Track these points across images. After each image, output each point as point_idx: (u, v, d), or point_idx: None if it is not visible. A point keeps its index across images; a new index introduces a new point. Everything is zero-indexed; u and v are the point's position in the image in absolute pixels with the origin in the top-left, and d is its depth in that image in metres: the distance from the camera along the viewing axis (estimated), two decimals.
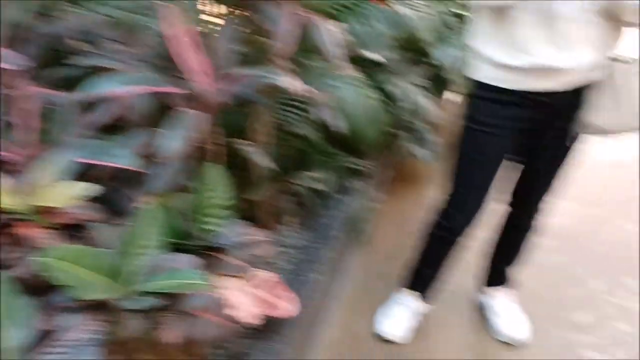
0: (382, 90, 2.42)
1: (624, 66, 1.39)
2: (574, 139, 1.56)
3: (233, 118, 1.61)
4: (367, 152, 2.51)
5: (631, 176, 2.97)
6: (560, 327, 1.98)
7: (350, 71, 2.10)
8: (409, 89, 2.50)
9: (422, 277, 1.92)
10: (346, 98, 2.09)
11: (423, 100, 2.53)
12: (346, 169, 2.34)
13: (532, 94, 1.42)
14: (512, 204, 1.78)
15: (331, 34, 1.56)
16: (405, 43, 2.63)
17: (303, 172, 2.12)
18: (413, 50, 2.67)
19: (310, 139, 2.04)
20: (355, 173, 2.39)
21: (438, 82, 2.70)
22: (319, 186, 2.13)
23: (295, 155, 2.12)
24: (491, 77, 1.45)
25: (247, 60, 1.51)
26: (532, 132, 1.54)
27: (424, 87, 2.59)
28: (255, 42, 1.51)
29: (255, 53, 1.52)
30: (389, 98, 2.42)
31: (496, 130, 1.50)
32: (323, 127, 1.97)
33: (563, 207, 2.68)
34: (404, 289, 1.96)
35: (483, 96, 1.49)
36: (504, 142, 1.54)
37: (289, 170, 2.10)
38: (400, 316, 1.92)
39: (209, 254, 1.40)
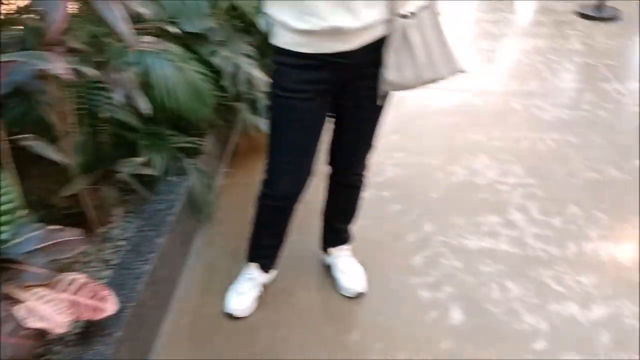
0: (208, 63, 2.34)
1: (413, 22, 1.45)
2: (382, 97, 1.62)
3: (19, 111, 1.45)
4: (203, 128, 2.44)
5: (455, 122, 3.21)
6: (399, 272, 2.11)
7: (164, 46, 1.99)
8: (239, 59, 2.45)
9: (262, 247, 1.93)
10: (165, 76, 1.99)
11: (254, 69, 2.49)
12: (181, 149, 2.25)
13: (328, 55, 1.44)
14: (331, 164, 1.82)
15: (121, 9, 1.45)
16: (228, 12, 2.56)
17: (129, 158, 2.00)
18: (239, 19, 2.61)
19: (129, 123, 1.92)
20: (193, 152, 2.31)
21: (267, 50, 2.66)
22: (148, 171, 2.03)
23: (116, 142, 1.99)
24: (288, 42, 1.45)
25: (21, 45, 1.35)
26: (339, 93, 1.57)
27: (252, 56, 2.54)
28: (26, 25, 1.35)
29: (31, 37, 1.36)
30: (217, 70, 2.35)
31: (301, 95, 1.52)
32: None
33: (397, 158, 2.84)
34: (248, 262, 1.96)
35: (284, 62, 1.49)
36: (311, 106, 1.55)
37: (111, 159, 1.97)
38: (245, 290, 1.92)
39: (4, 266, 1.26)
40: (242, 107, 2.56)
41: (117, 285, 1.64)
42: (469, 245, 2.25)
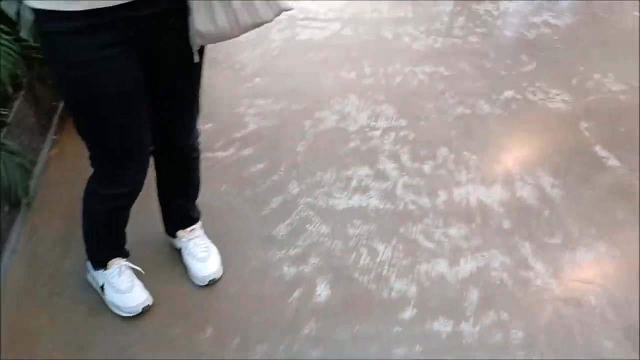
0: None
1: None
2: (199, 52, 1.30)
3: None
4: (7, 92, 1.96)
5: (324, 57, 2.93)
6: (260, 247, 1.88)
7: None
8: None
9: (112, 246, 1.65)
10: None
11: None
12: None
13: (111, 10, 1.08)
14: (153, 139, 1.51)
15: None
16: None
17: None
18: None
19: None
20: None
21: None
22: None
23: None
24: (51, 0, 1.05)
25: None
26: (143, 55, 1.23)
27: None
28: None
29: None
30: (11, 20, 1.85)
31: (95, 68, 1.16)
32: None
33: (260, 107, 2.54)
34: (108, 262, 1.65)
35: (53, 29, 1.11)
36: (116, 79, 1.21)
37: None
38: (128, 283, 1.63)
39: None
40: None
41: None
42: (337, 206, 2.06)
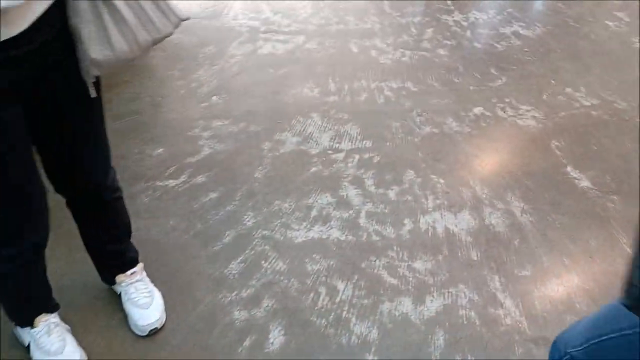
0: None
1: None
2: (95, 85, 1.14)
3: None
4: None
5: (286, 73, 2.79)
6: (209, 289, 1.73)
7: None
8: None
9: (33, 303, 1.47)
10: None
11: None
12: None
13: None
14: (63, 191, 1.35)
15: None
16: None
17: None
18: None
19: None
20: None
21: None
22: None
23: None
24: None
25: None
26: (31, 102, 1.09)
27: None
28: None
29: None
30: None
31: None
32: None
33: (216, 129, 2.39)
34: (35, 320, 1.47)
35: None
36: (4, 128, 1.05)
37: None
38: (58, 342, 1.45)
39: None
40: None
41: None
42: (296, 238, 1.92)
